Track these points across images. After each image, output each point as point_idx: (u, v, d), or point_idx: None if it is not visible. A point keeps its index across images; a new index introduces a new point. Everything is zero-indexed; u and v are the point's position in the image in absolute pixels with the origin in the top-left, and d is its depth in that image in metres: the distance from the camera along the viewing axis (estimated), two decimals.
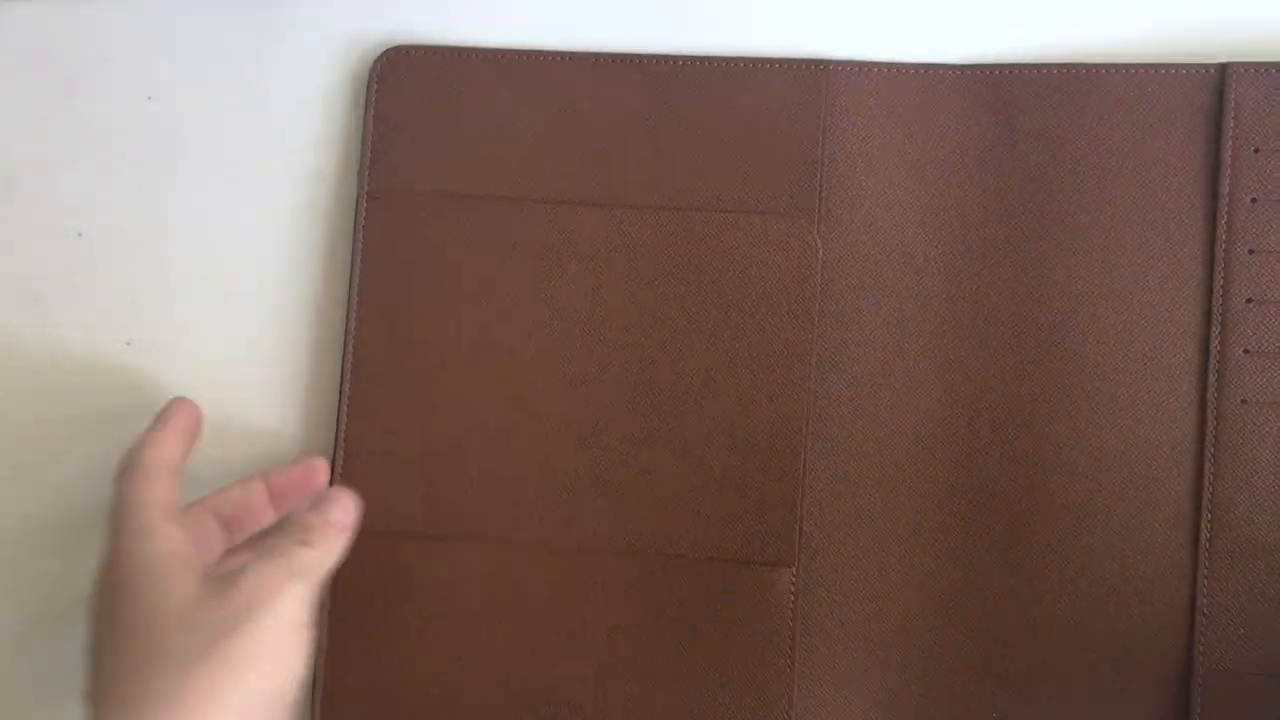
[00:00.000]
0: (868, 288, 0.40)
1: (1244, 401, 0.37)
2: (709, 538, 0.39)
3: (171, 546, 0.33)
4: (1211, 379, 0.37)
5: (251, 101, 0.43)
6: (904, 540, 0.38)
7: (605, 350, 0.40)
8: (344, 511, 0.36)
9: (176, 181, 0.43)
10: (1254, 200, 0.37)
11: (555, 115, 0.41)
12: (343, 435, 0.40)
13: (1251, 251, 0.37)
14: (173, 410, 0.37)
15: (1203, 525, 0.37)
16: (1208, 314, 0.37)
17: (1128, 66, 0.39)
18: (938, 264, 0.39)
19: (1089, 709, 0.37)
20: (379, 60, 0.42)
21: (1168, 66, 0.38)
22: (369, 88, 0.41)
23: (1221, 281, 0.37)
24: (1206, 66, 0.38)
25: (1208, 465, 0.37)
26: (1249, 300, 0.37)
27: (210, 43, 0.44)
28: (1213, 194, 0.38)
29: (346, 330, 0.40)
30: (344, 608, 0.39)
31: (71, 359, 0.43)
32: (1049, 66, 0.39)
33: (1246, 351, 0.37)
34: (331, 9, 0.43)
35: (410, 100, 0.41)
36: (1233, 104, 0.38)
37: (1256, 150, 0.37)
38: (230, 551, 0.38)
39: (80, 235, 0.43)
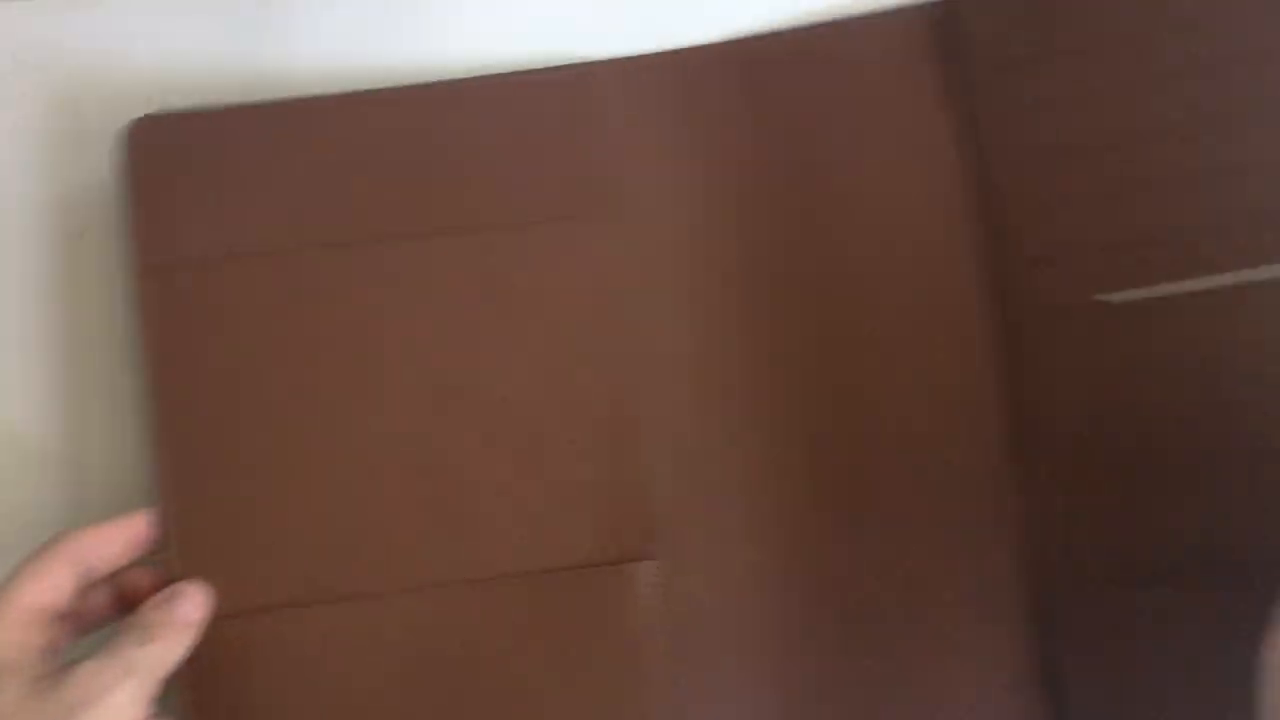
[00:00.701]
0: (669, 274, 0.39)
1: (1040, 309, 0.37)
2: (561, 546, 0.37)
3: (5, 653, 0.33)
4: (1004, 290, 0.37)
5: None
6: (753, 511, 0.38)
7: (424, 382, 0.38)
8: (192, 607, 0.35)
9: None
10: (1009, 111, 0.38)
11: (332, 159, 0.40)
12: (172, 527, 0.37)
13: (1016, 159, 0.38)
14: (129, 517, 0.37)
15: (1022, 443, 0.37)
16: (987, 226, 0.38)
17: (863, 17, 0.40)
18: (729, 235, 0.39)
19: (954, 643, 0.37)
20: (131, 130, 0.39)
21: (899, 9, 0.40)
22: (123, 158, 0.39)
23: (993, 191, 0.38)
24: (934, 3, 0.39)
25: (1015, 381, 0.37)
26: (1025, 208, 0.37)
27: (211, 43, 0.43)
28: (968, 113, 0.38)
29: (153, 423, 0.38)
30: (202, 693, 0.36)
31: None
32: (783, 31, 0.40)
33: (1033, 260, 0.37)
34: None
35: (172, 166, 0.39)
36: (965, 25, 0.39)
37: (999, 65, 0.38)
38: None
39: (81, 235, 0.42)
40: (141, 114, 0.40)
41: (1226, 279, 0.36)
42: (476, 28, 0.43)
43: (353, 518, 0.37)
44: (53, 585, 0.34)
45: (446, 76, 0.40)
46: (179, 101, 0.42)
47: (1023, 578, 0.36)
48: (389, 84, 0.41)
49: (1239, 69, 0.37)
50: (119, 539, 0.36)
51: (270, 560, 0.37)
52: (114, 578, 0.37)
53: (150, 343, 0.38)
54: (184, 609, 0.35)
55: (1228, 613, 0.35)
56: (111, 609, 0.37)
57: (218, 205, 0.39)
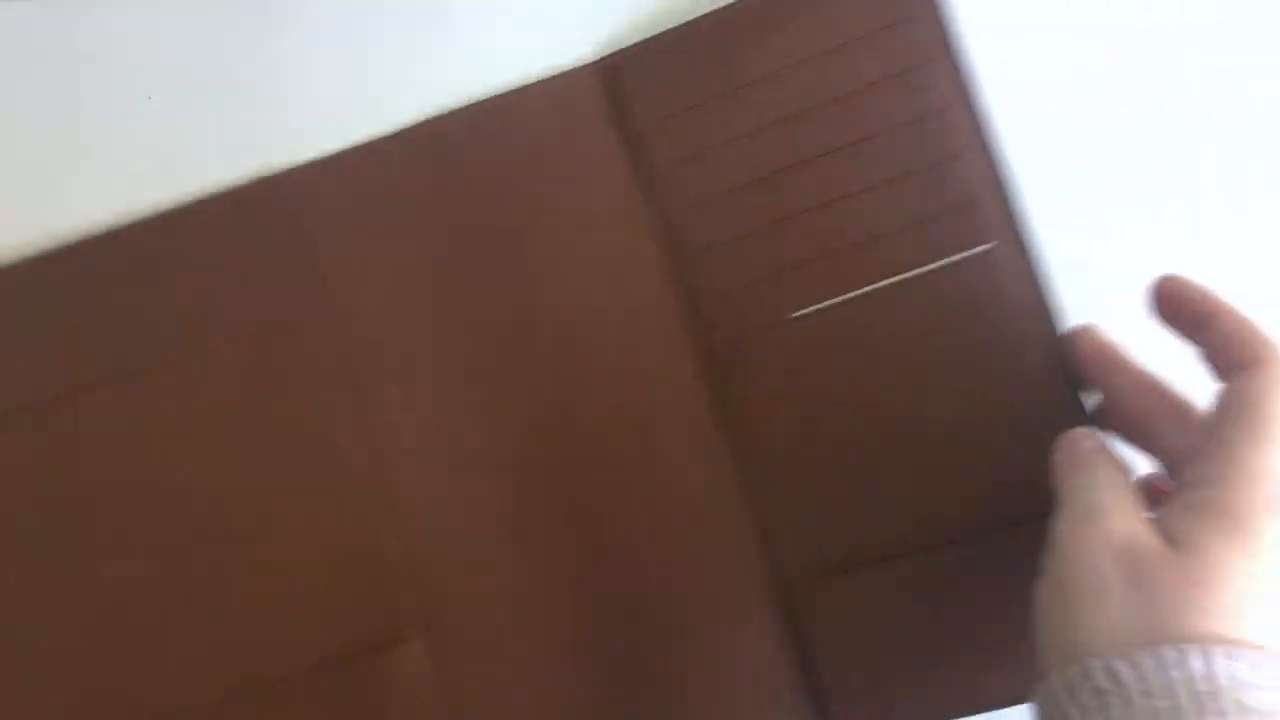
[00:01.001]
0: (394, 356, 0.41)
1: (730, 338, 0.40)
2: (331, 639, 0.40)
3: None
4: (697, 327, 0.40)
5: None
6: (515, 568, 0.40)
7: (175, 507, 0.41)
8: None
9: (177, 181, 0.42)
10: (674, 162, 0.41)
11: (34, 318, 0.42)
12: None
13: (689, 207, 0.40)
14: None
15: (739, 459, 0.40)
16: (673, 270, 0.40)
17: (528, 86, 0.42)
18: (446, 314, 0.41)
19: (721, 659, 0.40)
20: None
21: (561, 75, 0.42)
22: None
23: (674, 240, 0.41)
24: (593, 62, 0.42)
25: (721, 403, 0.40)
26: (701, 249, 0.40)
27: (211, 43, 0.43)
28: (639, 168, 0.41)
29: None
30: None
31: None
32: (465, 107, 0.42)
33: (719, 291, 0.40)
34: None
35: None
36: (625, 85, 0.41)
37: (660, 119, 0.41)
38: None
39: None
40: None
41: (880, 285, 0.39)
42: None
43: (108, 661, 0.40)
44: None
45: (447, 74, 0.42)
46: (178, 99, 0.43)
47: (769, 584, 0.40)
48: (388, 82, 0.43)
49: (857, 101, 0.40)
50: None
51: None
52: None
53: None
54: None
55: (960, 568, 0.38)
56: None
57: None
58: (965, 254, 0.39)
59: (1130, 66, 0.39)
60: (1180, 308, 0.35)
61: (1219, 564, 0.29)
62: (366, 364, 0.41)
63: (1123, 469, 0.34)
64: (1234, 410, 0.32)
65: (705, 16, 0.41)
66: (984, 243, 0.39)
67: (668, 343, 0.40)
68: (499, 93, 0.42)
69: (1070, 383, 0.38)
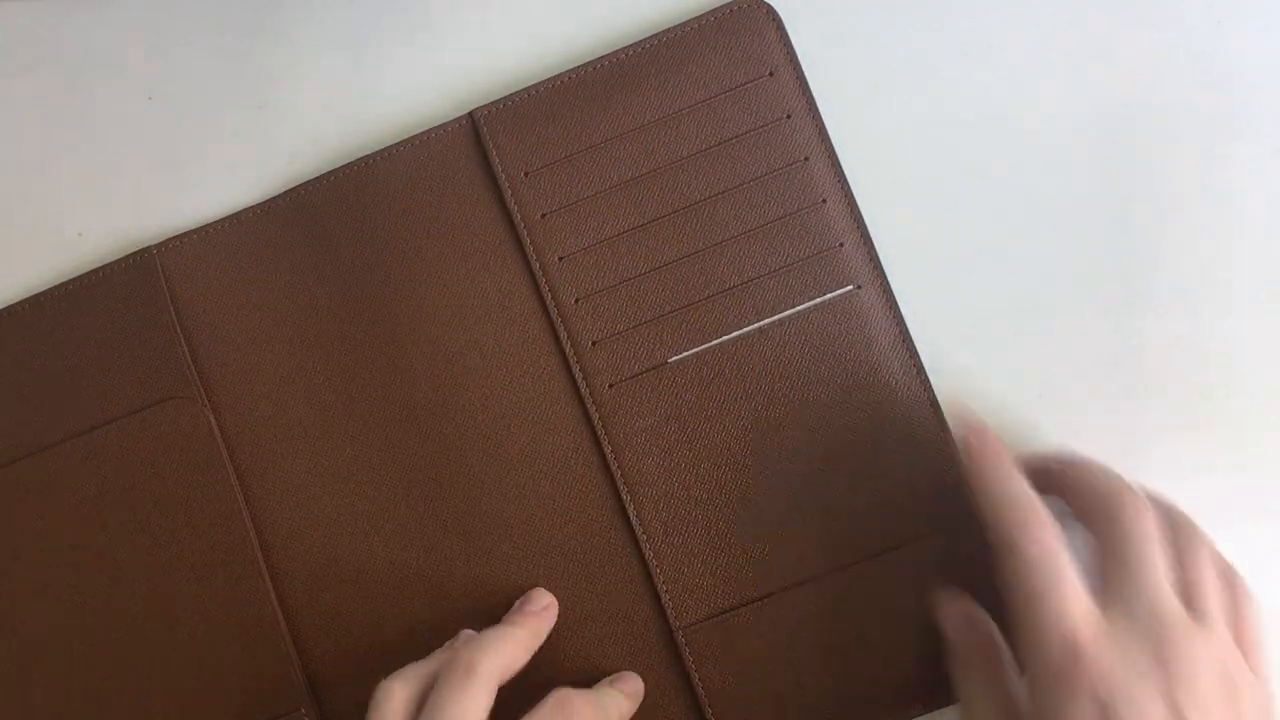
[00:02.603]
0: (271, 427, 0.42)
1: (610, 385, 0.41)
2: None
3: None
4: (578, 375, 0.41)
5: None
6: (397, 620, 0.41)
7: (59, 584, 0.41)
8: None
9: (177, 181, 0.42)
10: (544, 216, 0.41)
11: None
12: None
13: (561, 258, 0.41)
14: (539, 616, 0.39)
15: (624, 500, 0.40)
16: (549, 322, 0.41)
17: (396, 145, 0.42)
18: (326, 380, 0.42)
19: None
20: None
21: (431, 131, 0.42)
22: None
23: (549, 292, 0.41)
24: (459, 119, 0.42)
25: (606, 449, 0.40)
26: (576, 300, 0.41)
27: (211, 42, 0.43)
28: (509, 222, 0.41)
29: None
30: None
31: None
32: (334, 171, 0.42)
33: (594, 343, 0.41)
34: None
35: None
36: (490, 141, 0.41)
37: (526, 173, 0.41)
38: None
39: (80, 235, 0.42)
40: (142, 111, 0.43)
41: (753, 327, 0.40)
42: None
43: None
44: None
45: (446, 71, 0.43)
46: (178, 98, 0.43)
47: (657, 627, 0.40)
48: (383, 78, 0.43)
49: (723, 153, 0.41)
50: None
51: None
52: None
53: None
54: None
55: (838, 598, 0.39)
56: None
57: None
58: (831, 295, 0.40)
59: (970, 121, 0.41)
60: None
61: None
62: (241, 440, 0.41)
63: (999, 661, 0.37)
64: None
65: (569, 72, 0.41)
66: (849, 284, 0.40)
67: (550, 392, 0.41)
68: (365, 154, 0.42)
69: (938, 415, 0.40)
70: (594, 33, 0.42)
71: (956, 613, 0.38)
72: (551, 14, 0.43)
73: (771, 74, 0.41)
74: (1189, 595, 0.35)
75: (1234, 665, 0.34)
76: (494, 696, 0.35)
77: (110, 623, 0.41)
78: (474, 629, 0.39)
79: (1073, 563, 0.34)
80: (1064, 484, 0.37)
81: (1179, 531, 0.36)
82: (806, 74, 0.41)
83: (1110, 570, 0.35)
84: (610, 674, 0.40)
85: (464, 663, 0.35)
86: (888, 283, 0.40)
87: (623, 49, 0.41)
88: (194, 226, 0.42)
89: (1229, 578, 0.36)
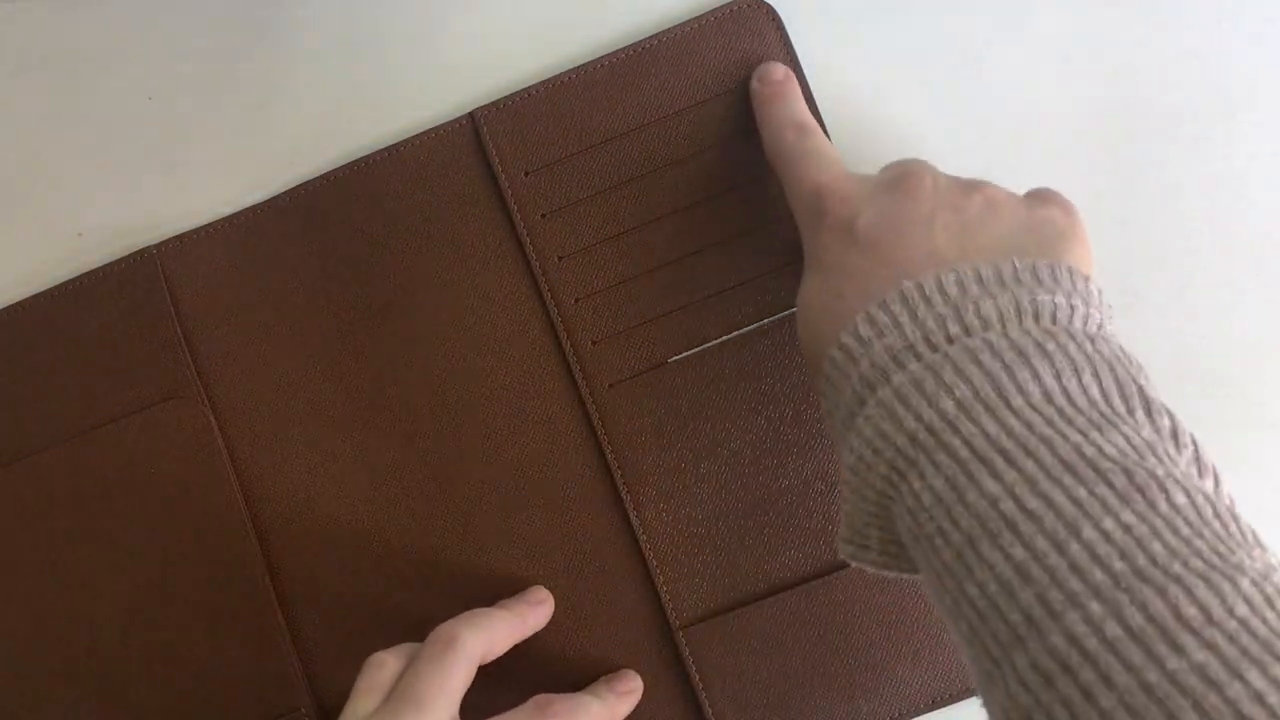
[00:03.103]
0: (271, 427, 0.41)
1: (610, 385, 0.41)
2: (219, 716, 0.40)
3: None
4: (578, 375, 0.41)
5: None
6: (397, 620, 0.41)
7: (57, 585, 0.41)
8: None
9: (177, 181, 0.42)
10: (544, 216, 0.41)
11: None
12: None
13: (561, 258, 0.41)
14: (532, 608, 0.39)
15: (625, 500, 0.40)
16: (549, 322, 0.41)
17: (396, 145, 0.42)
18: (325, 380, 0.41)
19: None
20: None
21: (431, 131, 0.42)
22: None
23: (549, 292, 0.41)
24: (459, 119, 0.42)
25: (606, 449, 0.40)
26: (576, 300, 0.41)
27: (211, 42, 0.43)
28: (509, 222, 0.41)
29: None
30: None
31: None
32: (334, 171, 0.42)
33: (594, 343, 0.41)
34: None
35: None
36: (490, 142, 0.41)
37: (527, 173, 0.41)
38: None
39: (80, 235, 0.42)
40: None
41: (752, 327, 0.40)
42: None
43: None
44: None
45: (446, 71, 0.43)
46: (178, 98, 0.43)
47: (657, 627, 0.40)
48: (383, 78, 0.43)
49: (724, 152, 0.41)
50: None
51: None
52: None
53: None
54: None
55: (832, 601, 0.39)
56: None
57: None
58: None
59: (970, 121, 0.41)
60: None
61: None
62: (241, 440, 0.41)
63: None
64: None
65: (569, 72, 0.41)
66: None
67: (550, 392, 0.41)
68: (365, 154, 0.42)
69: None
70: (594, 33, 0.42)
71: None
72: (551, 14, 0.43)
73: None
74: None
75: (989, 183, 0.34)
76: (473, 673, 0.35)
77: (110, 622, 0.41)
78: None
79: (828, 148, 0.37)
80: None
81: None
82: (806, 74, 0.41)
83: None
84: (609, 673, 0.40)
85: (445, 637, 0.35)
86: None
87: (622, 49, 0.41)
88: (194, 226, 0.42)
89: None
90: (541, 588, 0.40)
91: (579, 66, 0.41)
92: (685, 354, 0.41)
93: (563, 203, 0.41)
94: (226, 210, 0.42)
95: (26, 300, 0.42)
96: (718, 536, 0.40)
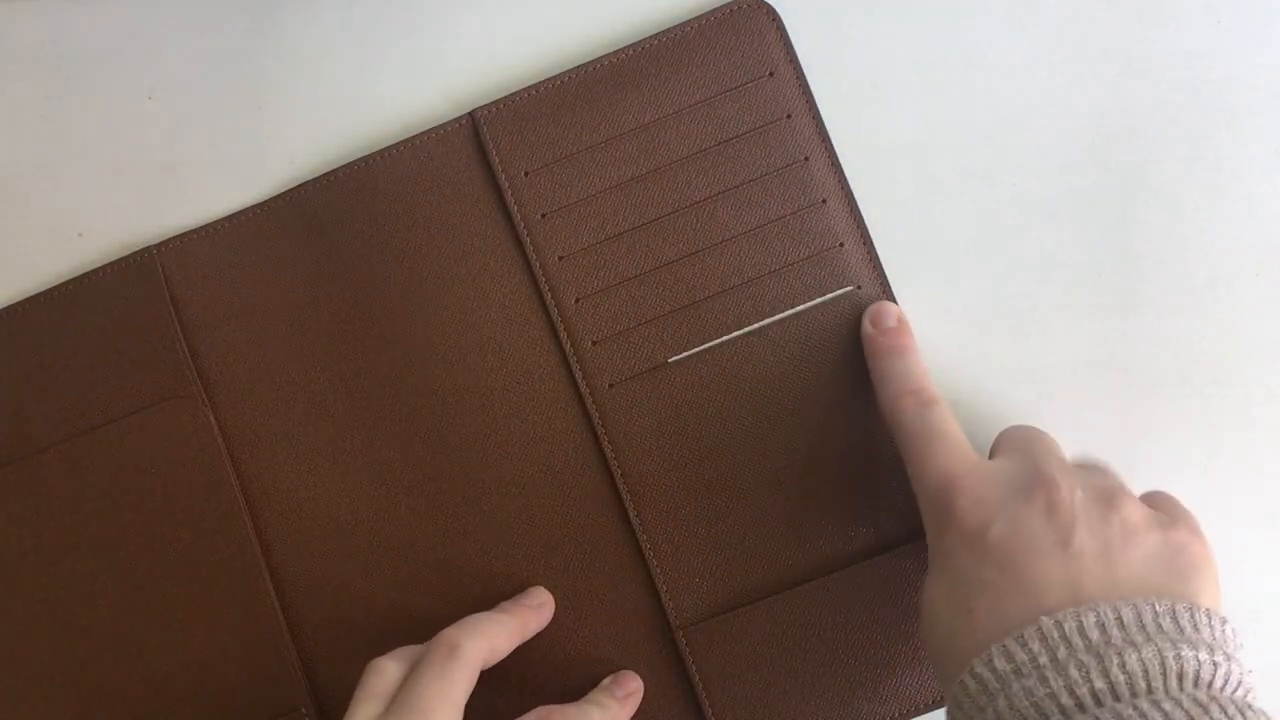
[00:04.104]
0: (271, 427, 0.41)
1: (610, 385, 0.41)
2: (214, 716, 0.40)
3: None
4: (578, 375, 0.41)
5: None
6: (397, 621, 0.41)
7: (57, 583, 0.41)
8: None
9: (177, 181, 0.42)
10: (544, 215, 0.41)
11: None
12: None
13: (561, 258, 0.41)
14: (533, 610, 0.39)
15: (625, 500, 0.40)
16: (549, 322, 0.41)
17: (396, 145, 0.42)
18: (326, 380, 0.41)
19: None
20: None
21: (431, 131, 0.42)
22: None
23: (549, 292, 0.41)
24: (459, 118, 0.42)
25: (606, 449, 0.40)
26: (576, 300, 0.41)
27: (210, 42, 0.43)
28: (509, 222, 0.41)
29: None
30: None
31: None
32: (334, 171, 0.42)
33: (594, 343, 0.41)
34: None
35: None
36: (490, 142, 0.41)
37: (527, 173, 0.41)
38: None
39: (80, 235, 0.42)
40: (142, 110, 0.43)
41: (753, 327, 0.40)
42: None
43: None
44: None
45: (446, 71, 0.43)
46: (178, 98, 0.43)
47: (657, 626, 0.40)
48: (383, 78, 0.43)
49: (723, 153, 0.41)
50: None
51: None
52: None
53: None
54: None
55: (831, 599, 0.39)
56: None
57: None
58: (831, 295, 0.40)
59: (970, 121, 0.41)
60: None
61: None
62: (241, 440, 0.41)
63: None
64: None
65: (569, 72, 0.41)
66: (849, 284, 0.40)
67: (550, 392, 0.41)
68: (365, 154, 0.42)
69: None
70: (594, 33, 0.42)
71: None
72: (552, 14, 0.43)
73: (771, 74, 0.41)
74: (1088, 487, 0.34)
75: (1123, 489, 0.34)
76: (475, 679, 0.35)
77: (110, 622, 0.41)
78: None
79: (951, 426, 0.36)
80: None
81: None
82: (806, 74, 0.41)
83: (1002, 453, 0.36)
84: (610, 673, 0.40)
85: (447, 644, 0.35)
86: (888, 283, 0.40)
87: (623, 49, 0.41)
88: (194, 226, 0.42)
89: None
90: (542, 589, 0.40)
91: (579, 66, 0.41)
92: (685, 354, 0.41)
93: (563, 203, 0.41)
94: (226, 210, 0.42)
95: (27, 300, 0.42)
96: (718, 536, 0.40)
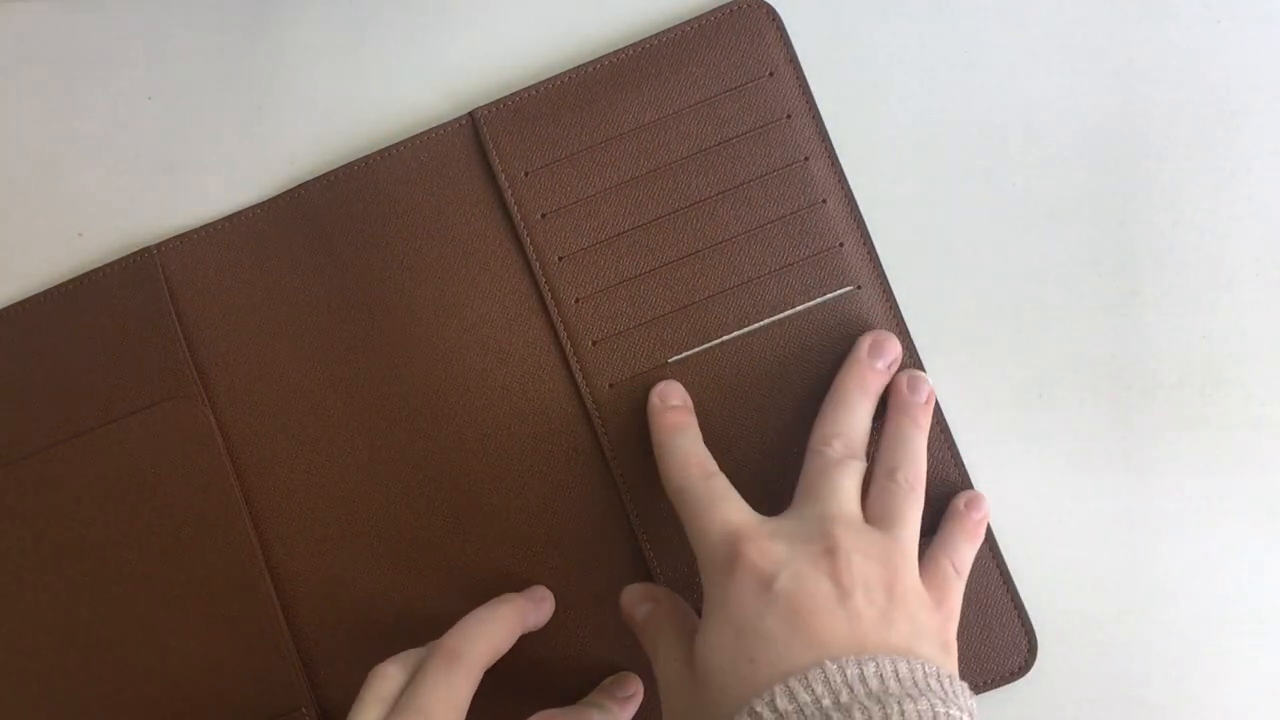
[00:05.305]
0: (271, 427, 0.41)
1: (610, 385, 0.41)
2: (215, 713, 0.40)
3: None
4: (578, 375, 0.41)
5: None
6: (396, 620, 0.41)
7: (62, 580, 0.41)
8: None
9: (176, 181, 0.42)
10: (544, 215, 0.41)
11: None
12: None
13: (561, 258, 0.41)
14: (535, 604, 0.39)
15: (625, 500, 0.40)
16: (549, 322, 0.41)
17: (396, 145, 0.42)
18: (326, 380, 0.42)
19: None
20: None
21: (431, 131, 0.42)
22: None
23: (549, 292, 0.41)
24: (459, 119, 0.42)
25: (606, 449, 0.40)
26: (576, 300, 0.41)
27: (210, 42, 0.43)
28: (509, 222, 0.41)
29: None
30: None
31: None
32: (334, 171, 0.42)
33: (594, 343, 0.41)
34: None
35: None
36: (490, 141, 0.41)
37: (527, 173, 0.41)
38: None
39: (80, 235, 0.42)
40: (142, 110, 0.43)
41: (753, 327, 0.40)
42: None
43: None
44: None
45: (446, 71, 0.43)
46: (178, 98, 0.43)
47: None
48: (383, 78, 0.43)
49: (723, 152, 0.41)
50: None
51: None
52: None
53: None
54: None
55: None
56: None
57: None
58: (831, 295, 0.40)
59: (970, 121, 0.41)
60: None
61: None
62: (241, 440, 0.41)
63: (683, 615, 0.37)
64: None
65: (569, 72, 0.41)
66: (849, 284, 0.40)
67: (550, 392, 0.41)
68: (365, 154, 0.42)
69: (938, 415, 0.40)
70: (594, 32, 0.42)
71: (636, 594, 0.38)
72: (551, 14, 0.43)
73: (771, 74, 0.41)
74: (877, 516, 0.36)
75: (905, 563, 0.35)
76: (478, 681, 0.35)
77: (111, 623, 0.41)
78: None
79: (734, 493, 0.36)
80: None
81: (893, 479, 0.37)
82: (806, 74, 0.41)
83: (797, 494, 0.37)
84: (610, 674, 0.40)
85: (447, 650, 0.35)
86: (888, 283, 0.40)
87: (623, 49, 0.41)
88: (194, 226, 0.42)
89: (938, 544, 0.38)
90: (542, 587, 0.40)
91: (579, 66, 0.41)
92: (685, 354, 0.41)
93: (563, 203, 0.41)
94: (226, 210, 0.42)
95: (27, 300, 0.42)
96: None
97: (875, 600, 0.33)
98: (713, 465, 0.38)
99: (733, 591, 0.34)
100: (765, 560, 0.34)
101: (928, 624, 0.34)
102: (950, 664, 0.35)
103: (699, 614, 0.35)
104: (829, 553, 0.34)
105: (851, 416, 0.38)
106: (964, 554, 0.38)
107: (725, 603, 0.34)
